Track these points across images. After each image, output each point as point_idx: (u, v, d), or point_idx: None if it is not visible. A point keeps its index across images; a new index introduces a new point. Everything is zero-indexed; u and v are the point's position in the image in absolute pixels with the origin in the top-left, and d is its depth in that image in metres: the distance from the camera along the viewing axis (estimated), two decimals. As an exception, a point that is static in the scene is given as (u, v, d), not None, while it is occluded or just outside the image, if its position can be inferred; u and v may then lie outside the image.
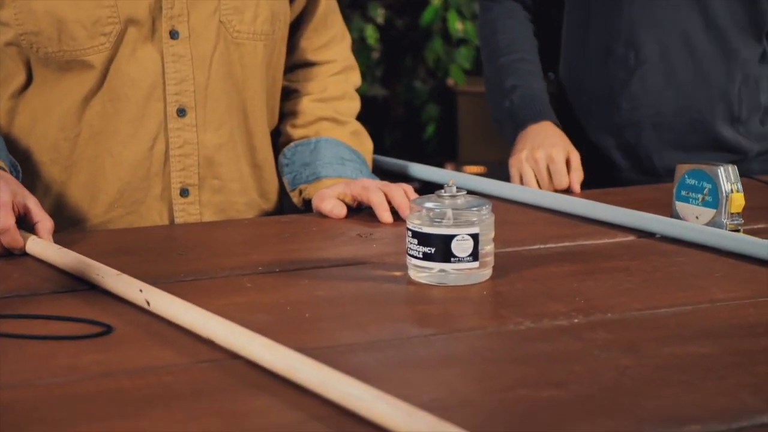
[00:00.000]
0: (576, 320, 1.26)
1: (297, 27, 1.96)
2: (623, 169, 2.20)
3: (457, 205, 1.41)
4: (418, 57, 4.13)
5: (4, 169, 1.65)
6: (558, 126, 2.15)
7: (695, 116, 2.17)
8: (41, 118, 1.78)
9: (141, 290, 1.32)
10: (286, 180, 1.94)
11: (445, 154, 4.18)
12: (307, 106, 1.96)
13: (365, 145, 1.99)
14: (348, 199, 1.79)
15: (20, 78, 1.78)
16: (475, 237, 1.39)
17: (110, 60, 1.75)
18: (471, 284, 1.40)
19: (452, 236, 1.38)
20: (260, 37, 1.84)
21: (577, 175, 2.04)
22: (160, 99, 1.77)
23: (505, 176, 2.12)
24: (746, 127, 2.21)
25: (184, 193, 1.82)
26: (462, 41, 3.93)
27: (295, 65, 1.99)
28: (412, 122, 4.20)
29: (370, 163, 1.98)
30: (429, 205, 1.41)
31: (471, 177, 2.07)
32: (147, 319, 1.27)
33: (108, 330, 1.24)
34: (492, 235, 1.42)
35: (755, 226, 1.71)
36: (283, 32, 1.91)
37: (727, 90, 2.15)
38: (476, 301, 1.36)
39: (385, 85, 4.15)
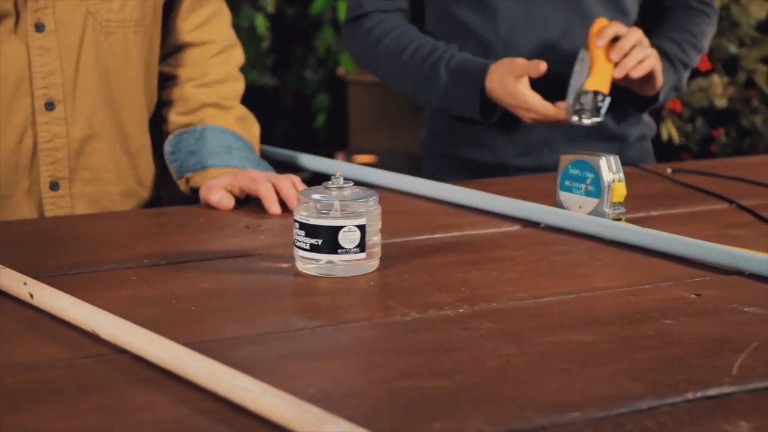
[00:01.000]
0: (461, 310, 1.27)
1: (171, 8, 1.93)
2: (513, 168, 2.21)
3: (344, 197, 1.41)
4: (308, 46, 4.13)
5: None
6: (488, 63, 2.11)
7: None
8: None
9: (25, 283, 1.30)
10: (172, 168, 1.92)
11: (336, 143, 4.18)
12: (189, 92, 1.93)
13: (251, 130, 1.97)
14: (236, 191, 1.78)
15: None
16: (362, 228, 1.40)
17: None
18: (358, 275, 1.40)
19: (339, 227, 1.39)
20: (130, 24, 1.82)
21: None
22: (27, 93, 1.75)
23: (395, 164, 2.13)
24: (624, 111, 2.25)
25: (54, 186, 1.79)
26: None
27: (173, 48, 1.95)
28: (303, 112, 4.20)
29: (257, 148, 1.97)
30: (316, 196, 1.41)
31: (359, 167, 2.07)
32: (31, 314, 1.26)
33: (-10, 326, 1.22)
34: (379, 225, 1.43)
35: (637, 215, 1.74)
36: (155, 17, 1.88)
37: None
38: (363, 292, 1.36)
39: (276, 75, 4.14)
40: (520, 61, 2.05)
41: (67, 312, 1.22)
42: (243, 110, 1.97)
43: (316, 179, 1.93)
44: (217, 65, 1.95)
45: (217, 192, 1.76)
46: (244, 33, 3.98)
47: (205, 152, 1.87)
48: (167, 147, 1.92)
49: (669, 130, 3.58)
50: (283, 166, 2.09)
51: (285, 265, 1.45)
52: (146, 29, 1.85)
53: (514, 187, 1.96)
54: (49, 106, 1.76)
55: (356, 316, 1.28)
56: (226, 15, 2.01)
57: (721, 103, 3.65)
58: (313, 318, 1.26)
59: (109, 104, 1.82)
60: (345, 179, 1.43)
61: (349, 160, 3.98)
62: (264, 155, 2.06)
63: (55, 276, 1.40)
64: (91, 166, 1.82)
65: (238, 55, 2.01)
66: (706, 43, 2.30)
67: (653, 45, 2.14)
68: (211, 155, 1.86)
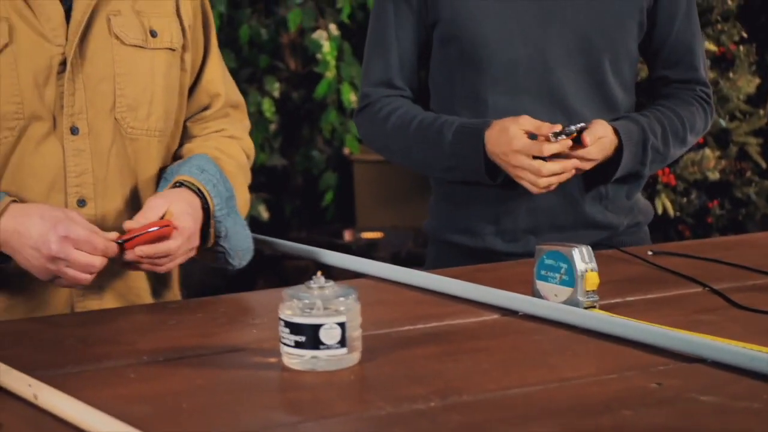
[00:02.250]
0: (432, 403, 1.36)
1: (189, 117, 2.07)
2: (502, 254, 2.31)
3: (325, 296, 1.51)
4: (314, 128, 4.26)
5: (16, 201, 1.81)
6: (489, 123, 2.22)
7: (565, 198, 2.30)
8: None
9: (30, 385, 1.40)
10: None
11: (344, 220, 4.30)
12: (189, 147, 2.03)
13: (237, 181, 2.00)
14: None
15: None
16: (342, 325, 1.50)
17: (12, 153, 1.85)
18: (341, 368, 1.50)
19: (320, 325, 1.49)
20: (154, 134, 1.96)
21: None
22: (62, 191, 1.87)
23: (401, 239, 2.23)
24: (613, 203, 2.35)
25: None
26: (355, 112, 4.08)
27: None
28: (311, 190, 4.32)
29: (240, 204, 2.00)
30: (299, 295, 1.52)
31: (352, 259, 2.14)
32: (35, 414, 1.36)
33: (-3, 427, 1.32)
34: (359, 321, 1.53)
35: (613, 300, 1.83)
36: (176, 129, 2.02)
37: (591, 169, 2.27)
38: (344, 386, 1.46)
39: (284, 155, 4.28)
40: (523, 118, 2.17)
41: (68, 413, 1.32)
42: (237, 162, 2.04)
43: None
44: (220, 139, 2.05)
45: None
46: (252, 117, 4.12)
47: (182, 167, 1.94)
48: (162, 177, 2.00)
49: (663, 204, 3.68)
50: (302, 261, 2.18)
51: (273, 360, 1.54)
52: (167, 140, 1.99)
53: (498, 274, 2.06)
54: (81, 203, 1.89)
55: (336, 410, 1.37)
56: (240, 111, 2.14)
57: (713, 176, 3.75)
58: (296, 413, 1.36)
59: (135, 201, 1.94)
60: (325, 279, 1.53)
61: (356, 236, 4.09)
62: (286, 252, 2.16)
63: (59, 374, 1.50)
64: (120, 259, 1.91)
65: (246, 145, 2.10)
66: (691, 137, 2.38)
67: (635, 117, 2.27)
68: (183, 168, 1.93)
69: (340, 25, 4.12)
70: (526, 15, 2.27)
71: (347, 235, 4.15)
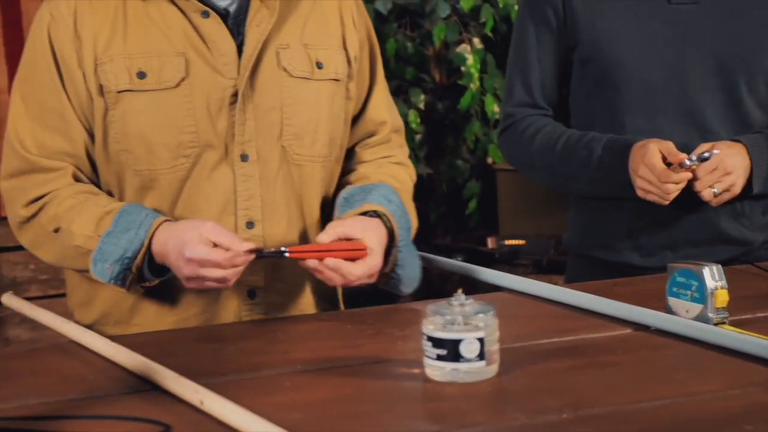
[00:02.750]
0: (565, 415, 1.46)
1: (357, 143, 2.19)
2: (638, 269, 2.40)
3: (465, 312, 1.63)
4: (458, 138, 4.37)
5: (170, 220, 1.95)
6: (638, 139, 2.31)
7: (701, 214, 2.37)
8: None
9: (196, 391, 1.55)
10: (337, 213, 2.09)
11: (487, 227, 4.40)
12: (367, 170, 2.15)
13: (413, 212, 2.14)
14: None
15: (120, 187, 2.03)
16: (481, 340, 1.61)
17: (188, 178, 1.99)
18: (479, 380, 1.61)
19: (461, 340, 1.60)
20: (318, 160, 2.08)
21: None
22: (232, 213, 2.01)
23: (542, 247, 2.34)
24: (750, 219, 2.41)
25: (251, 294, 2.05)
26: (498, 122, 4.17)
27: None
28: (456, 198, 4.43)
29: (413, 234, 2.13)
30: (442, 311, 1.63)
31: (496, 273, 2.24)
32: (201, 418, 1.50)
33: (167, 429, 1.47)
34: (497, 335, 1.64)
35: (744, 316, 1.90)
36: (340, 155, 2.14)
37: None
38: (482, 397, 1.57)
39: (429, 164, 4.39)
40: (668, 142, 2.26)
41: (231, 418, 1.45)
42: (410, 192, 2.19)
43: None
44: (388, 165, 2.17)
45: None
46: (398, 128, 4.25)
47: (370, 195, 2.05)
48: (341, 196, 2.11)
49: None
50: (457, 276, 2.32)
51: (416, 371, 1.66)
52: (331, 164, 2.11)
53: (634, 288, 2.15)
54: (249, 224, 2.02)
55: (474, 420, 1.48)
56: (400, 137, 2.24)
57: None
58: (437, 422, 1.47)
59: (299, 225, 2.07)
60: (465, 296, 1.64)
61: (499, 243, 4.18)
62: (439, 268, 2.30)
63: (222, 382, 1.64)
64: (285, 278, 2.07)
65: (411, 172, 2.23)
66: None
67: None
68: (372, 196, 2.04)
69: (484, 38, 4.21)
70: (662, 37, 2.35)
71: (490, 242, 4.24)
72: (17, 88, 2.05)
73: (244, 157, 2.01)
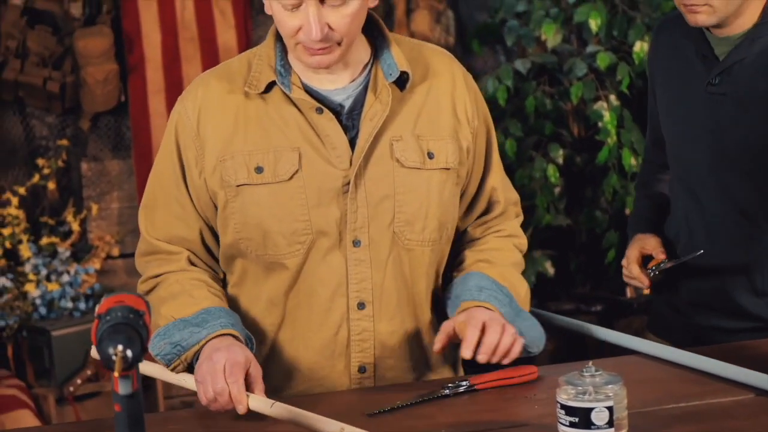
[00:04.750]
0: (686, 479, 1.62)
1: (466, 218, 2.32)
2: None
3: (595, 383, 1.79)
4: (597, 190, 4.49)
5: (238, 338, 2.11)
6: (644, 230, 2.66)
7: (717, 286, 2.57)
8: (252, 306, 2.21)
9: (342, 429, 1.74)
10: (449, 313, 2.26)
11: (625, 276, 4.51)
12: (466, 255, 2.29)
13: (512, 282, 2.25)
14: (456, 330, 2.13)
15: (238, 272, 2.22)
16: (610, 409, 1.77)
17: (304, 263, 2.15)
18: (609, 445, 1.77)
19: (592, 408, 1.77)
20: (428, 244, 2.20)
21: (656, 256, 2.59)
22: (344, 295, 2.16)
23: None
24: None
25: (361, 369, 2.20)
26: (636, 175, 4.28)
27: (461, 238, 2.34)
28: (595, 248, 4.54)
29: (521, 300, 2.24)
30: (574, 382, 1.80)
31: (623, 336, 2.40)
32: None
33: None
34: (625, 403, 1.80)
35: None
36: (450, 235, 2.26)
37: (749, 265, 2.52)
38: (611, 461, 1.73)
39: (569, 215, 4.52)
40: (652, 242, 2.61)
41: None
42: (509, 269, 2.29)
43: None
44: (497, 240, 2.31)
45: (439, 334, 2.14)
46: (538, 182, 4.40)
47: (464, 292, 2.21)
48: (444, 297, 2.27)
49: None
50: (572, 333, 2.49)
51: (551, 436, 1.83)
52: (441, 247, 2.24)
53: (755, 352, 2.26)
54: (361, 306, 2.17)
55: (602, 483, 1.64)
56: (512, 209, 2.37)
57: None
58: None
59: (408, 306, 2.21)
60: (596, 369, 1.80)
61: (637, 292, 4.29)
62: (555, 324, 2.44)
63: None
64: (394, 355, 2.21)
65: (520, 243, 2.36)
66: None
67: None
68: (465, 293, 2.20)
69: (620, 95, 4.33)
70: (700, 122, 2.55)
71: (629, 291, 4.36)
72: (150, 177, 2.25)
73: (356, 243, 2.15)
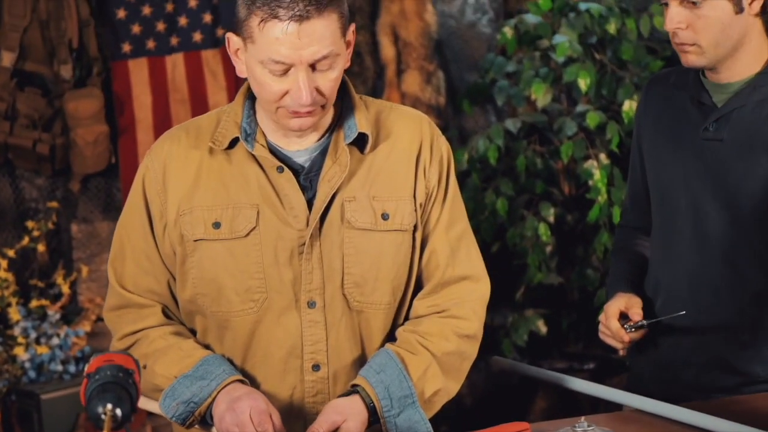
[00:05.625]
0: None
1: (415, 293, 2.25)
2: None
3: (588, 439, 1.78)
4: (588, 248, 4.49)
5: (245, 383, 2.10)
6: (624, 290, 2.62)
7: (699, 340, 2.56)
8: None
9: None
10: None
11: (619, 334, 4.50)
12: (399, 332, 2.21)
13: (424, 376, 2.15)
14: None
15: (200, 329, 2.21)
16: (603, 465, 1.76)
17: (260, 321, 2.14)
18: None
19: (585, 466, 1.76)
20: (380, 307, 2.18)
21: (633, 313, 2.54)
22: (299, 356, 2.15)
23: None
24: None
25: None
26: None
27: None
28: (587, 305, 4.54)
29: (422, 399, 2.14)
30: (566, 440, 1.79)
31: (617, 392, 2.40)
32: None
33: None
34: (619, 460, 1.79)
35: None
36: (407, 297, 2.21)
37: (733, 318, 2.51)
38: None
39: (560, 274, 4.52)
40: (633, 300, 2.57)
41: None
42: (442, 351, 2.18)
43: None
44: (432, 322, 2.20)
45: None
46: (530, 240, 4.41)
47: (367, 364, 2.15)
48: None
49: None
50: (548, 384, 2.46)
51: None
52: (394, 310, 2.20)
53: (746, 406, 2.25)
54: (316, 367, 2.15)
55: None
56: (470, 289, 2.27)
57: None
58: None
59: (362, 364, 2.17)
60: (588, 424, 1.80)
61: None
62: (531, 376, 2.42)
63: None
64: None
65: (466, 325, 2.23)
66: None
67: None
68: (366, 367, 2.14)
69: (610, 154, 4.35)
70: (693, 169, 2.54)
71: (621, 350, 4.34)
72: (117, 229, 2.25)
73: (311, 304, 2.14)
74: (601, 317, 2.61)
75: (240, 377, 2.12)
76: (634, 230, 2.76)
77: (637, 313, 2.54)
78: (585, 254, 4.51)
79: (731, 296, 2.49)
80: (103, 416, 1.53)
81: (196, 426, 2.13)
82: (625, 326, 2.54)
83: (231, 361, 2.17)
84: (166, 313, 2.21)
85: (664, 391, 2.48)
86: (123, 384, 1.59)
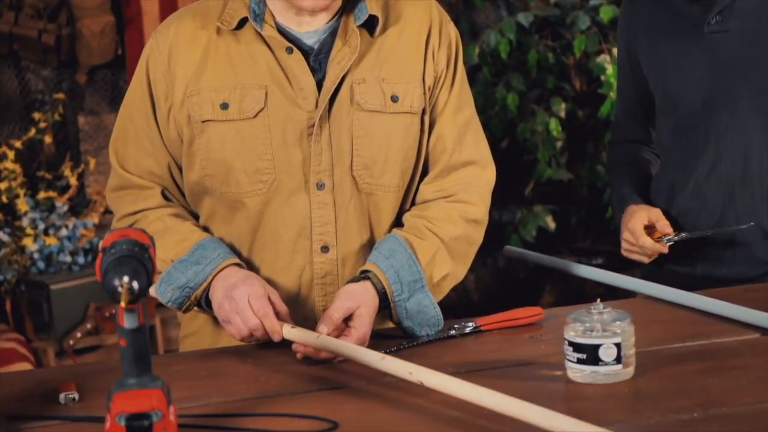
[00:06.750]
0: (695, 414, 1.61)
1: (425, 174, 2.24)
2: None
3: (603, 320, 1.78)
4: (599, 144, 4.47)
5: (242, 266, 2.10)
6: (637, 202, 2.57)
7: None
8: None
9: (410, 372, 1.74)
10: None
11: (628, 230, 4.49)
12: (406, 218, 2.20)
13: (432, 261, 2.14)
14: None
15: (207, 211, 2.20)
16: (618, 345, 1.76)
17: (268, 203, 2.14)
18: (617, 382, 1.76)
19: (599, 345, 1.75)
20: (390, 189, 2.18)
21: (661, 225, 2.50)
22: (308, 238, 2.15)
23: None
24: None
25: None
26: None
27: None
28: (596, 202, 4.54)
29: (431, 283, 2.13)
30: (582, 319, 1.78)
31: (631, 280, 2.40)
32: (366, 417, 1.68)
33: (334, 426, 1.65)
34: (632, 340, 1.78)
35: None
36: (416, 180, 2.21)
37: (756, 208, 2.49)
38: (619, 398, 1.72)
39: (570, 170, 4.51)
40: (655, 213, 2.51)
41: (457, 392, 1.67)
42: (450, 236, 2.17)
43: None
44: (439, 206, 2.19)
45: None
46: (540, 135, 4.38)
47: (375, 250, 2.14)
48: None
49: None
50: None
51: (558, 373, 1.82)
52: (401, 192, 2.20)
53: (764, 294, 2.25)
54: (324, 249, 2.16)
55: (611, 418, 1.63)
56: (474, 174, 2.25)
57: None
58: (580, 420, 1.62)
59: (371, 247, 2.16)
60: (603, 306, 1.79)
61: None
62: (538, 263, 2.42)
63: (382, 383, 1.82)
64: None
65: (472, 209, 2.22)
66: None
67: None
68: (375, 252, 2.13)
69: (622, 48, 4.31)
70: (699, 65, 2.51)
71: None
72: (120, 111, 2.24)
73: (320, 186, 2.14)
74: (625, 235, 2.54)
75: (236, 260, 2.11)
76: (630, 143, 2.73)
77: (665, 225, 2.50)
78: (595, 150, 4.50)
79: (753, 189, 2.47)
80: (119, 289, 1.52)
81: (195, 309, 2.13)
82: (665, 240, 2.49)
83: (232, 246, 2.16)
84: (165, 195, 2.21)
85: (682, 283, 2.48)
86: (139, 258, 1.58)
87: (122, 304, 1.52)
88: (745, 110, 2.45)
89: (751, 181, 2.46)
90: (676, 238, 2.48)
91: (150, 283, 1.58)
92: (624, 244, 2.56)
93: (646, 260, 2.55)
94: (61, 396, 1.84)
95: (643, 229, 2.50)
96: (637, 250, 2.54)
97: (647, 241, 2.50)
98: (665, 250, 2.49)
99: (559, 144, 4.42)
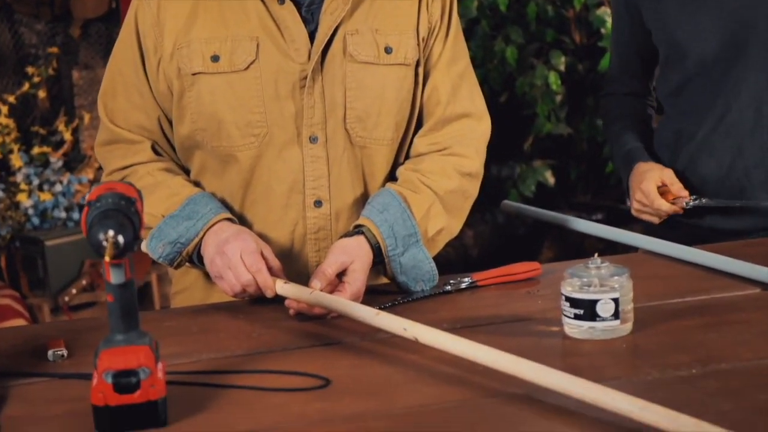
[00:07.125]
0: (694, 370, 1.57)
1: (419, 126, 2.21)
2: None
3: (601, 275, 1.74)
4: (598, 98, 4.42)
5: (233, 221, 2.07)
6: (646, 159, 2.53)
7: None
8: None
9: (405, 329, 1.71)
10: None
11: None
12: (400, 171, 2.18)
13: (427, 215, 2.11)
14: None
15: (198, 166, 2.16)
16: (616, 300, 1.72)
17: (260, 156, 2.11)
18: (614, 338, 1.73)
19: (597, 300, 1.72)
20: (383, 142, 2.14)
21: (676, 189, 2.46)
22: (300, 192, 2.12)
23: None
24: None
25: None
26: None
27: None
28: (595, 156, 4.50)
29: (425, 238, 2.10)
30: (579, 274, 1.75)
31: (631, 235, 2.36)
32: (358, 373, 1.65)
33: (326, 383, 1.62)
34: (630, 296, 1.75)
35: None
36: (410, 134, 2.18)
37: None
38: (617, 353, 1.69)
39: (570, 124, 4.46)
40: (668, 174, 2.48)
41: (451, 348, 1.63)
42: (444, 190, 2.14)
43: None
44: (432, 159, 2.16)
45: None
46: (539, 89, 4.33)
47: (369, 204, 2.11)
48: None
49: None
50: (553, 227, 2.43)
51: (555, 329, 1.79)
52: (395, 145, 2.17)
53: (764, 249, 2.22)
54: (318, 203, 2.13)
55: (609, 374, 1.60)
56: (468, 126, 2.22)
57: None
58: (576, 376, 1.59)
59: (364, 201, 2.14)
60: (601, 260, 1.75)
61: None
62: (537, 218, 2.41)
63: (377, 339, 1.79)
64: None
65: (466, 162, 2.18)
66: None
67: None
68: (369, 206, 2.09)
69: (623, 0, 4.25)
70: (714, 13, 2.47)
71: (629, 200, 4.30)
72: (109, 65, 2.20)
73: (312, 139, 2.10)
74: (638, 196, 2.51)
75: (227, 215, 2.08)
76: (626, 96, 2.69)
77: (680, 188, 2.47)
78: (595, 104, 4.45)
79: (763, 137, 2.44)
80: (104, 243, 1.48)
81: (186, 264, 2.10)
82: (684, 203, 2.46)
83: (223, 200, 2.13)
84: (155, 149, 2.17)
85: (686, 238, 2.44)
86: (125, 212, 1.54)
87: (107, 258, 1.49)
88: (756, 60, 2.41)
89: (761, 132, 2.42)
90: (696, 203, 2.44)
91: (136, 237, 1.54)
92: (635, 205, 2.53)
93: (656, 221, 2.52)
94: (50, 353, 1.81)
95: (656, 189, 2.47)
96: (649, 211, 2.51)
97: (663, 204, 2.47)
98: (680, 212, 2.47)
99: (558, 98, 4.37)
